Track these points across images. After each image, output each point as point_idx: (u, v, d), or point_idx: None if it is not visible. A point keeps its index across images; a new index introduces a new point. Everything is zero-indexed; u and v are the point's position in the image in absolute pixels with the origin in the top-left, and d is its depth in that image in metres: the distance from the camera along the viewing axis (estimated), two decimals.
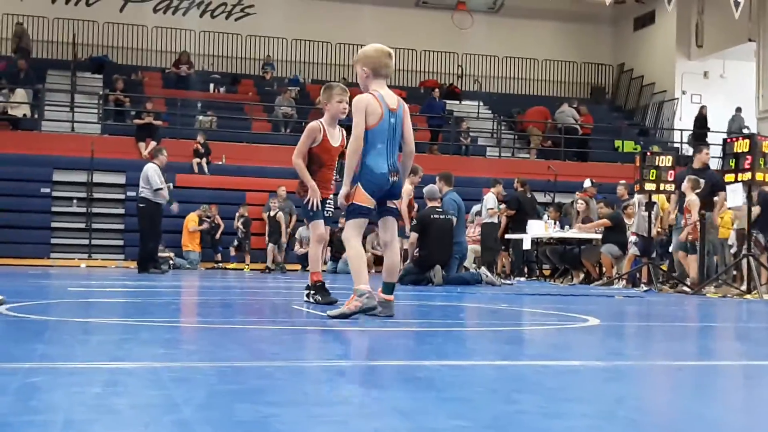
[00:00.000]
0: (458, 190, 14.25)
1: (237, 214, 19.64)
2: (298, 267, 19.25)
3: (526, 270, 17.65)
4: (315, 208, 6.74)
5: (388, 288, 5.63)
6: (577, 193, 18.25)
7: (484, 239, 16.35)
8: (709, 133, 23.43)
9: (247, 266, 19.41)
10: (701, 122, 24.07)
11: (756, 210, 11.92)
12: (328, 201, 7.01)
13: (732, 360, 4.42)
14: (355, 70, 5.90)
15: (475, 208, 16.93)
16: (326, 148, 6.81)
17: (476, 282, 12.85)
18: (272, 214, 19.12)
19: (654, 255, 13.51)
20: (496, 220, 16.50)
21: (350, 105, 5.84)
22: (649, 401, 2.95)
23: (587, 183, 17.65)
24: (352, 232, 5.60)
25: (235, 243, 19.66)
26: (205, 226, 19.24)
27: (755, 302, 10.08)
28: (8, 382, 2.75)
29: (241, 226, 19.50)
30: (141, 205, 13.86)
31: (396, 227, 5.85)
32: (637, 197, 14.30)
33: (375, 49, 5.79)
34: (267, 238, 19.22)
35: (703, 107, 23.67)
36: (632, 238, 14.00)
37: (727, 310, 8.72)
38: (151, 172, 13.76)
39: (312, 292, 6.78)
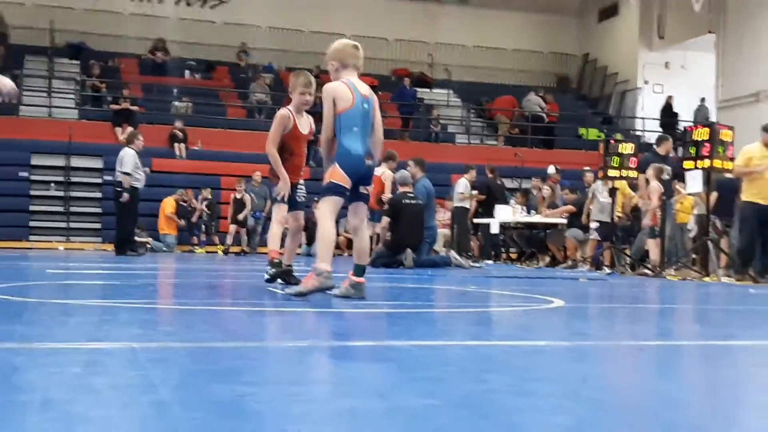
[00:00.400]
0: (428, 175, 14.26)
1: (200, 197, 19.52)
2: None
3: (493, 253, 17.72)
4: (283, 200, 6.74)
5: (360, 270, 5.65)
6: (533, 179, 18.34)
7: (456, 223, 16.40)
8: (673, 122, 23.61)
9: (221, 248, 19.29)
10: (668, 112, 24.19)
11: (714, 196, 12.03)
12: (299, 186, 6.99)
13: (691, 340, 4.46)
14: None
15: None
16: (296, 135, 6.79)
17: (446, 265, 12.90)
18: (238, 197, 19.03)
19: (614, 239, 13.59)
20: (467, 205, 16.56)
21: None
22: (612, 380, 2.98)
23: (551, 170, 17.72)
24: (327, 208, 5.60)
25: (203, 227, 19.57)
26: (183, 223, 19.14)
27: (713, 284, 10.19)
28: None
29: (204, 209, 19.40)
30: (118, 189, 13.75)
31: (365, 212, 5.89)
32: (594, 185, 14.38)
33: (340, 43, 5.89)
34: (229, 220, 19.14)
35: (669, 97, 23.81)
36: (593, 225, 14.07)
37: (686, 292, 8.81)
38: (128, 156, 13.66)
39: (269, 267, 6.79)
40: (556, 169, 17.85)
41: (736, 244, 11.47)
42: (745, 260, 10.93)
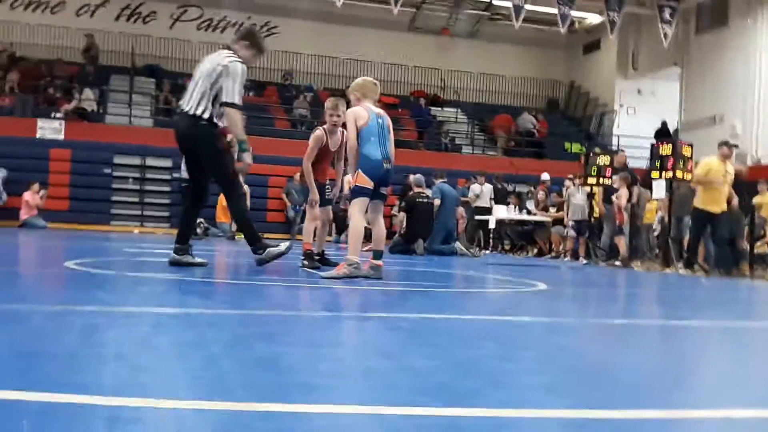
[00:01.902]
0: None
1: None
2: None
3: (491, 245, 17.64)
4: (313, 204, 6.93)
5: (378, 255, 5.71)
6: (533, 187, 18.24)
7: (467, 219, 16.44)
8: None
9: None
10: (662, 132, 23.14)
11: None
12: (326, 186, 7.11)
13: (652, 319, 4.45)
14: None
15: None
16: (326, 150, 6.96)
17: (452, 253, 12.88)
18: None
19: (588, 234, 13.50)
20: (480, 204, 16.62)
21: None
22: (584, 350, 2.98)
23: (545, 176, 17.57)
24: (356, 209, 5.71)
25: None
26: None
27: (672, 275, 10.13)
28: (74, 321, 2.76)
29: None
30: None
31: (382, 209, 5.94)
32: (569, 190, 14.28)
33: (363, 79, 6.15)
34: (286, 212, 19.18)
35: (664, 122, 23.12)
36: (570, 223, 13.99)
37: (650, 280, 8.76)
38: None
39: (303, 258, 6.85)
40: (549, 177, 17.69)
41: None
42: (694, 255, 10.77)
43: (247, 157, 6.24)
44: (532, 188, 17.61)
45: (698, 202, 10.52)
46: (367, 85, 6.00)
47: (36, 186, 17.37)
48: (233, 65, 5.80)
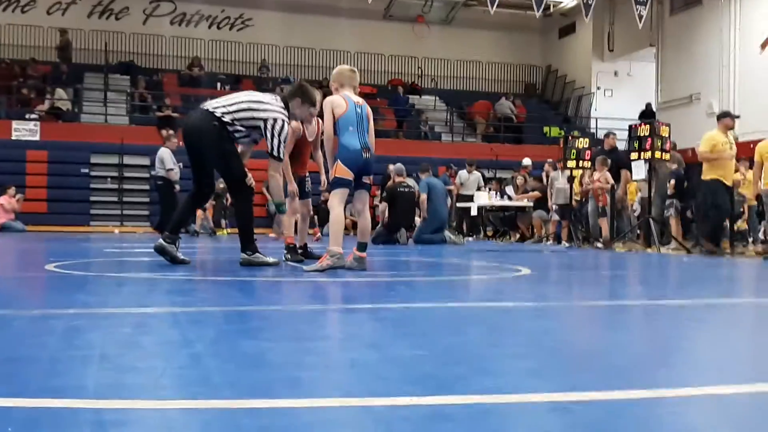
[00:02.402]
0: (416, 168, 14.34)
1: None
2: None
3: (474, 231, 17.69)
4: (293, 196, 6.89)
5: (362, 246, 5.69)
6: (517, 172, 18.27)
7: (453, 207, 16.47)
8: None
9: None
10: (646, 113, 23.14)
11: (672, 183, 11.97)
12: (306, 179, 7.08)
13: (634, 300, 4.48)
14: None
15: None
16: (304, 141, 6.98)
17: (442, 242, 12.86)
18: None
19: (572, 218, 13.57)
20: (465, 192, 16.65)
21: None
22: (568, 334, 2.99)
23: (527, 161, 17.62)
24: (335, 200, 5.67)
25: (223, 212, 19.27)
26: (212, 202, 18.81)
27: (653, 255, 10.20)
28: (56, 325, 2.74)
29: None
30: (159, 183, 13.74)
31: (367, 198, 5.89)
32: (552, 174, 14.34)
33: (340, 68, 6.10)
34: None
35: (648, 104, 23.15)
36: (554, 207, 14.07)
37: (631, 261, 8.82)
38: (166, 155, 13.66)
39: (285, 252, 6.83)
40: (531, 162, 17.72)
41: (707, 219, 10.12)
42: (718, 232, 10.08)
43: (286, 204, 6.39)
44: (514, 174, 17.66)
45: (711, 174, 9.81)
46: (344, 73, 5.93)
47: (12, 190, 17.20)
48: (283, 122, 5.79)
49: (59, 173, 18.63)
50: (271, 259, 6.00)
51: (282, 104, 5.91)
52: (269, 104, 5.85)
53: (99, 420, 1.49)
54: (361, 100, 5.81)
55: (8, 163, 18.10)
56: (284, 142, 5.85)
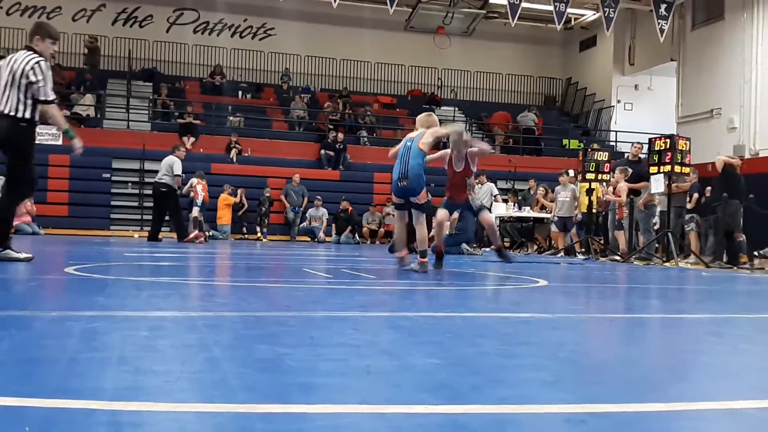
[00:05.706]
0: (438, 178, 14.25)
1: (262, 197, 19.34)
2: (308, 239, 19.27)
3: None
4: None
5: (422, 254, 7.01)
6: (530, 180, 18.17)
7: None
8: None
9: (264, 237, 19.16)
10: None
11: (695, 197, 11.91)
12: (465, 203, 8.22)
13: (651, 313, 4.44)
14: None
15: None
16: (452, 171, 8.07)
17: (459, 253, 12.86)
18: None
19: (584, 230, 13.50)
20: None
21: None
22: (585, 345, 2.97)
23: (571, 173, 17.44)
24: (396, 219, 7.61)
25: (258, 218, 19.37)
26: (236, 199, 18.96)
27: (672, 269, 10.12)
28: (74, 327, 2.76)
29: (266, 203, 19.25)
30: (163, 189, 14.06)
31: (418, 215, 7.19)
32: (557, 188, 14.34)
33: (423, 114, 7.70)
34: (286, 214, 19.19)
35: None
36: (554, 219, 14.13)
37: (650, 275, 8.75)
38: (177, 162, 14.06)
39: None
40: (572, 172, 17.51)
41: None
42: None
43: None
44: (531, 184, 17.61)
45: None
46: (419, 118, 7.51)
47: None
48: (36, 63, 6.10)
49: (81, 177, 18.80)
50: (23, 255, 6.14)
51: (25, 52, 6.10)
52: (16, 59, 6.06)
53: (115, 421, 1.49)
54: (415, 134, 7.13)
55: None
56: (50, 80, 6.12)
